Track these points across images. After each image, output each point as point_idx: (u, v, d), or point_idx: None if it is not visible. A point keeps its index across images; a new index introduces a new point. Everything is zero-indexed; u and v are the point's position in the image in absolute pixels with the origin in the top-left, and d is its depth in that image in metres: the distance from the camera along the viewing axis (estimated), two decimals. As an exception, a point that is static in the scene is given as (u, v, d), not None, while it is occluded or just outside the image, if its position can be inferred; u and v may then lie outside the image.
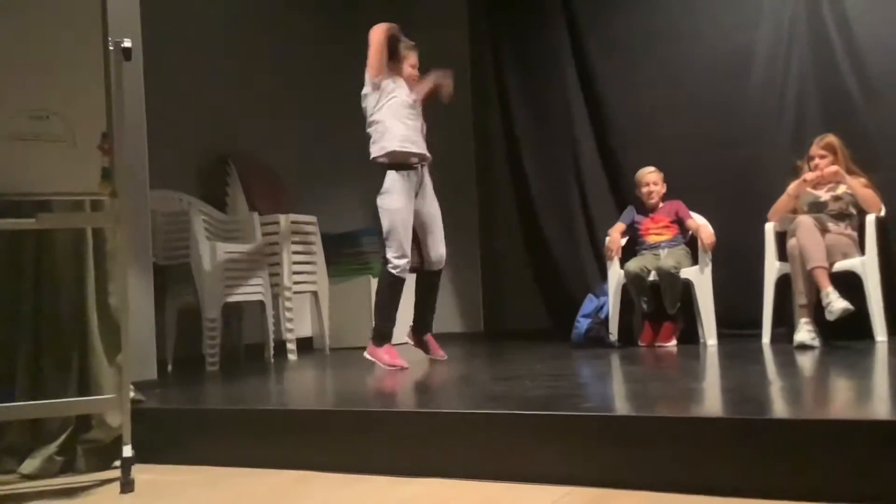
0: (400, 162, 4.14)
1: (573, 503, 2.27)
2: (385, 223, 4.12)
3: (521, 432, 2.55)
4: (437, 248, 4.32)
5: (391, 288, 4.17)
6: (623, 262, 4.92)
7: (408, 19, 6.49)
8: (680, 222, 5.00)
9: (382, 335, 4.23)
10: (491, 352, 5.22)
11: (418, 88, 4.27)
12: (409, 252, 4.16)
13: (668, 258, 4.79)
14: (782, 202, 4.64)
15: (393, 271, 4.13)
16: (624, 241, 5.08)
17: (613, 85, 5.52)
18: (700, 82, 5.20)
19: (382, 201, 4.12)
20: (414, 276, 4.38)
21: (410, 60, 4.31)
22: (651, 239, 5.00)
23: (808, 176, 4.54)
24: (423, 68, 4.34)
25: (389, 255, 4.13)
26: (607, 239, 5.03)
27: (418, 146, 4.21)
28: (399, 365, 4.16)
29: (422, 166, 4.26)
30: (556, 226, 5.73)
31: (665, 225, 5.00)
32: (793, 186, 4.59)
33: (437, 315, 6.36)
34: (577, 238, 5.63)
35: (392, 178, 4.12)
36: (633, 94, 5.44)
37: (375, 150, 4.16)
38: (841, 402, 2.87)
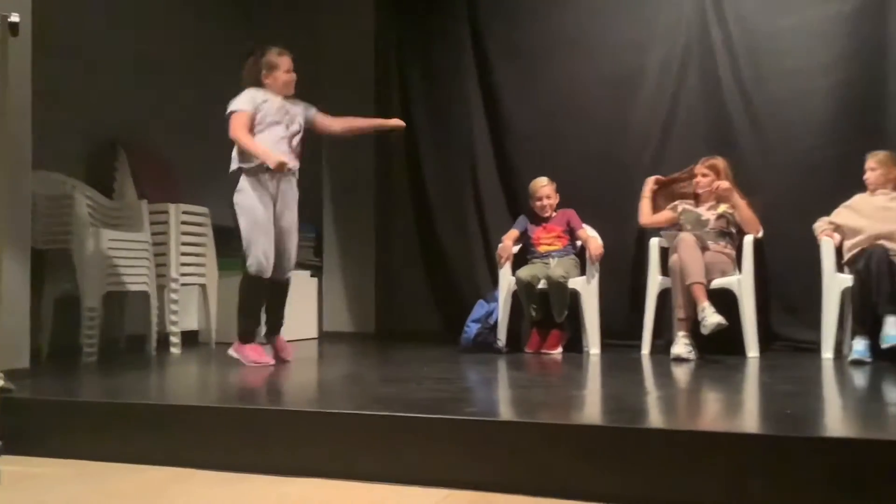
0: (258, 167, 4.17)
1: (452, 506, 2.30)
2: (242, 222, 4.17)
3: (404, 435, 2.57)
4: (285, 260, 4.29)
5: (251, 287, 4.21)
6: (515, 269, 5.00)
7: (312, 25, 6.49)
8: (571, 232, 5.12)
9: (246, 333, 4.27)
10: (381, 353, 5.22)
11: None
12: (269, 253, 4.17)
13: (558, 268, 4.90)
14: (645, 207, 4.97)
15: (250, 270, 4.17)
16: (516, 248, 5.17)
17: (513, 95, 5.60)
18: (595, 97, 5.33)
19: (239, 199, 4.17)
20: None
21: (284, 66, 4.29)
22: (542, 248, 5.11)
23: (659, 178, 4.99)
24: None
25: (248, 253, 4.17)
26: (500, 246, 5.11)
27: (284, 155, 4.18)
28: (264, 362, 4.22)
29: (283, 176, 4.24)
30: (452, 231, 5.78)
31: (557, 235, 5.11)
32: (646, 186, 5.00)
33: (329, 313, 6.38)
34: (472, 244, 5.70)
35: (247, 179, 4.16)
36: (531, 105, 5.53)
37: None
38: (711, 414, 3.01)
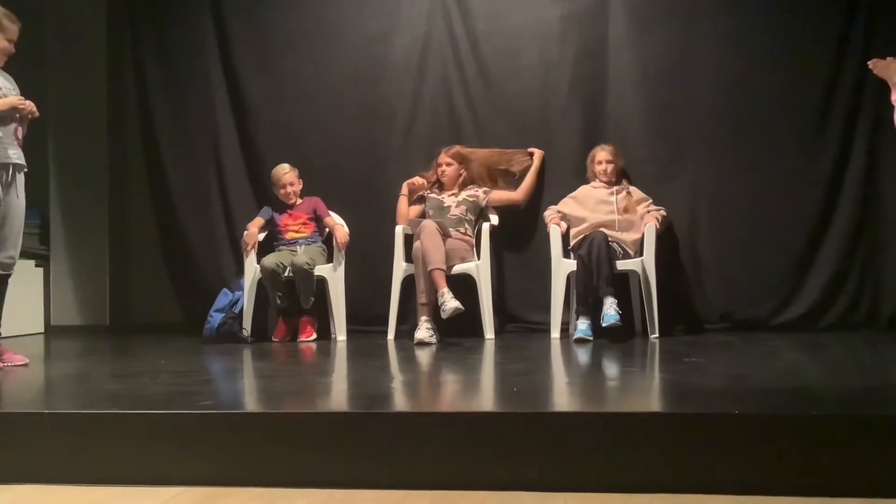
0: None
1: (183, 504, 2.21)
2: None
3: (131, 432, 2.43)
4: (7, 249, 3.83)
5: None
6: (262, 257, 4.90)
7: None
8: (318, 219, 5.11)
9: None
10: (114, 347, 4.92)
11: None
12: None
13: (303, 255, 4.87)
14: (402, 206, 4.97)
15: None
16: (262, 236, 5.07)
17: (258, 80, 5.42)
18: (341, 85, 5.31)
19: None
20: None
21: (10, 34, 3.75)
22: (289, 235, 5.05)
23: (416, 180, 4.97)
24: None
25: None
26: (244, 233, 4.99)
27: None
28: None
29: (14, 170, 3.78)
30: (193, 218, 5.51)
31: (303, 222, 5.08)
32: (404, 186, 4.98)
33: (58, 305, 5.92)
34: (215, 232, 5.47)
35: None
36: (277, 90, 5.40)
37: None
38: (448, 395, 3.12)
